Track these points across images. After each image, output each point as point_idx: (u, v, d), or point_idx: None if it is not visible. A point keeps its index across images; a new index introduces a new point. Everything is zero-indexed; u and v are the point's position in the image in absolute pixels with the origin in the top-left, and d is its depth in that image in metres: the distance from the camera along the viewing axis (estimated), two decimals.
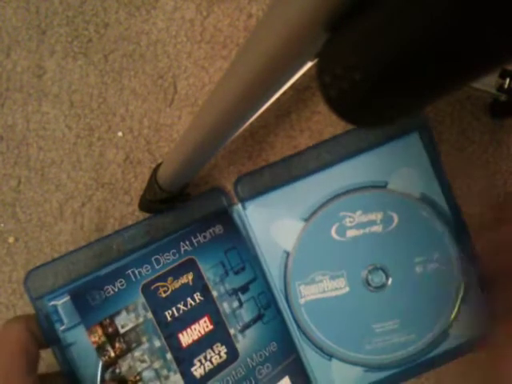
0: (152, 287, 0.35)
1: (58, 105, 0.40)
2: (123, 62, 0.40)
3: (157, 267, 0.35)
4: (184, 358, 0.35)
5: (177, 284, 0.35)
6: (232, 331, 0.36)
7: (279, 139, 0.41)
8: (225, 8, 0.40)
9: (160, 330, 0.34)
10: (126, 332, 0.34)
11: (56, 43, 0.40)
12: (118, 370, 0.33)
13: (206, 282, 0.36)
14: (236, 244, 0.37)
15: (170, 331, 0.35)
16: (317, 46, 0.16)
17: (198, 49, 0.40)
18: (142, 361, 0.34)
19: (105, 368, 0.33)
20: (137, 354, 0.34)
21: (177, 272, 0.35)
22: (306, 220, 0.38)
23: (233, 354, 0.36)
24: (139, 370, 0.34)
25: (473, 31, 0.11)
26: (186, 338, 0.35)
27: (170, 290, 0.35)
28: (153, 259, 0.35)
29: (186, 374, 0.35)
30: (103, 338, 0.33)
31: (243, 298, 0.37)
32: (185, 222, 0.37)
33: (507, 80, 0.35)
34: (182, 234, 0.36)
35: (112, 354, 0.33)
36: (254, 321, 0.37)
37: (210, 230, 0.37)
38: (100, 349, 0.33)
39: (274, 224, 0.38)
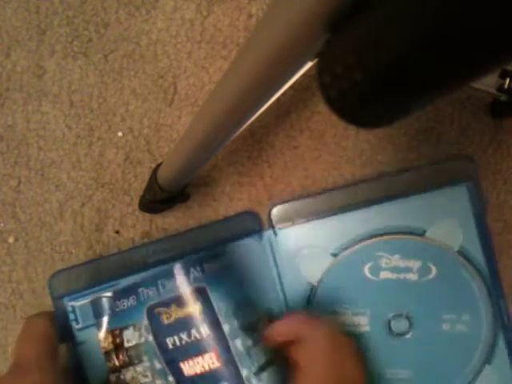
0: (155, 311, 0.32)
1: (58, 105, 0.40)
2: (123, 62, 0.40)
3: (162, 291, 0.32)
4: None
5: (181, 313, 0.32)
6: (245, 373, 0.31)
7: (279, 139, 0.41)
8: (225, 8, 0.40)
9: (161, 355, 0.32)
10: (130, 347, 0.33)
11: (56, 43, 0.40)
12: (122, 377, 0.33)
13: (216, 315, 0.32)
14: (255, 274, 0.35)
15: (171, 358, 0.32)
16: (317, 46, 0.16)
17: (198, 49, 0.40)
18: (145, 376, 0.33)
19: (110, 372, 0.33)
20: (139, 369, 0.33)
21: (182, 300, 0.31)
22: (336, 255, 0.37)
23: None
24: (142, 381, 0.33)
25: (473, 31, 0.11)
26: (188, 368, 0.32)
27: (172, 318, 0.32)
28: (159, 282, 0.32)
29: None
30: (111, 346, 0.33)
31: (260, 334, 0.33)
32: (212, 240, 0.36)
33: (507, 80, 0.35)
34: (195, 259, 0.32)
35: (116, 363, 0.33)
36: (272, 362, 0.32)
37: (228, 256, 0.34)
38: (107, 355, 0.34)
39: (301, 255, 0.38)
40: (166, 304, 0.32)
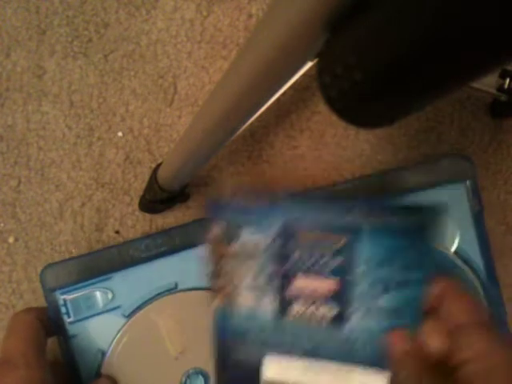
0: (293, 228, 0.30)
1: (58, 105, 0.40)
2: (123, 62, 0.40)
3: (313, 220, 0.30)
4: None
5: (321, 238, 0.30)
6: (352, 307, 0.30)
7: (279, 139, 0.41)
8: (225, 8, 0.40)
9: (281, 260, 0.30)
10: (243, 247, 0.30)
11: (56, 43, 0.40)
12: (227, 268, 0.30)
13: (356, 256, 0.30)
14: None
15: (290, 268, 0.30)
16: (317, 46, 0.16)
17: (198, 49, 0.40)
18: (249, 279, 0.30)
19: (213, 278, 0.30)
20: (244, 268, 0.30)
21: (334, 229, 0.30)
22: None
23: (338, 323, 0.30)
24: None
25: (473, 31, 0.11)
26: (301, 284, 0.30)
27: (308, 240, 0.30)
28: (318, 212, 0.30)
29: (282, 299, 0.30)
30: (222, 251, 0.30)
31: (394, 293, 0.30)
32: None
33: (507, 80, 0.35)
34: (376, 207, 0.29)
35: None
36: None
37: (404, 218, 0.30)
38: (214, 263, 0.30)
39: None
40: (311, 228, 0.30)
